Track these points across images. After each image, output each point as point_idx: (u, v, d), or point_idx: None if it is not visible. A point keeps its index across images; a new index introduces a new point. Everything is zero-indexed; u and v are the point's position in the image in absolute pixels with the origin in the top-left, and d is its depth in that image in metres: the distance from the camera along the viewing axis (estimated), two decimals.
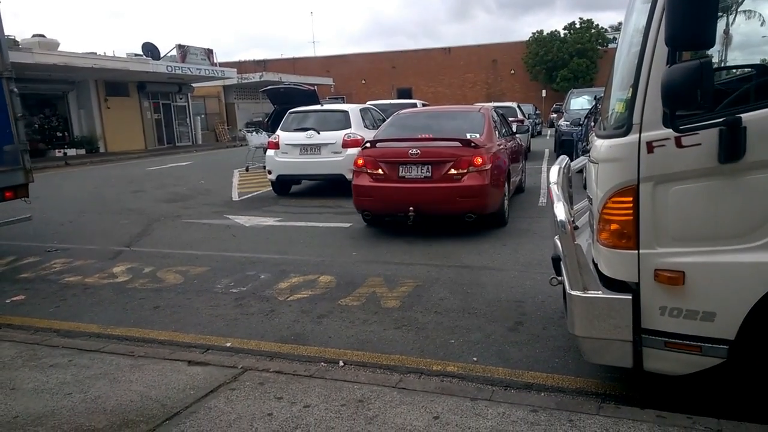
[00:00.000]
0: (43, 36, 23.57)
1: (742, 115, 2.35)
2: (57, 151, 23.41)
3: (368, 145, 6.98)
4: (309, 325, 4.38)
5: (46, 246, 7.37)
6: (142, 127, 28.51)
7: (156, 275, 5.90)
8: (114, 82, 26.32)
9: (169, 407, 3.08)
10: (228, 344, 4.07)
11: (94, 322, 4.64)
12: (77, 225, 8.95)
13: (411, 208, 6.47)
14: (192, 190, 12.54)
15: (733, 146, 2.35)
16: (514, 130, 9.88)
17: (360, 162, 6.90)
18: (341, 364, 3.67)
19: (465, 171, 6.40)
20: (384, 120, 9.89)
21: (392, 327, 4.25)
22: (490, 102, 25.25)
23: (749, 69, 3.60)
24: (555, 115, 21.88)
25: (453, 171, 6.41)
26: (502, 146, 7.45)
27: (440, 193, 6.45)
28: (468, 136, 6.77)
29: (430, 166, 6.48)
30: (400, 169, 6.59)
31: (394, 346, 3.93)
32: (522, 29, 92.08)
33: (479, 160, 6.41)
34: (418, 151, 6.51)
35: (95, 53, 24.73)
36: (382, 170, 6.67)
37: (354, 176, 7.03)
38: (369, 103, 14.95)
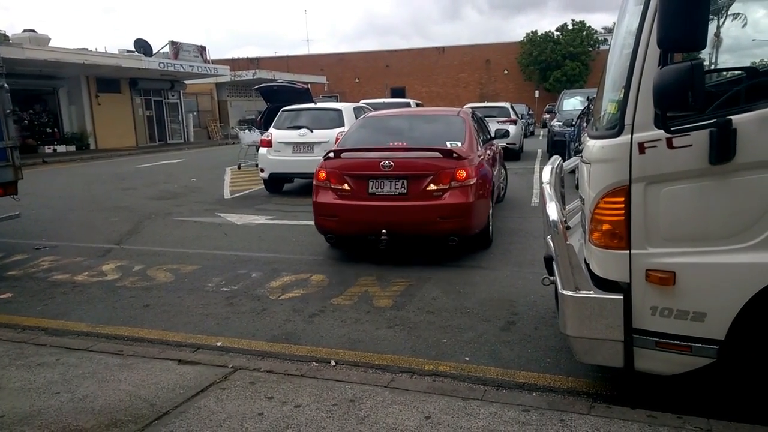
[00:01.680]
0: (34, 31, 23.29)
1: (732, 117, 2.36)
2: (47, 147, 23.17)
3: (331, 155, 5.89)
4: (300, 324, 4.37)
5: (34, 243, 7.30)
6: (134, 124, 28.31)
7: (146, 273, 5.85)
8: (105, 79, 26.11)
9: (159, 407, 3.05)
10: (219, 343, 4.05)
11: (82, 320, 4.59)
12: (66, 222, 8.86)
13: (384, 230, 5.47)
14: (183, 188, 12.47)
15: (723, 148, 2.36)
16: (492, 134, 8.46)
17: (322, 175, 5.82)
18: (333, 363, 3.66)
19: (446, 186, 5.45)
20: None
21: (384, 326, 4.24)
22: (483, 102, 25.32)
23: (739, 71, 3.62)
24: (548, 116, 21.98)
25: (432, 186, 5.45)
26: (483, 156, 6.47)
27: (418, 213, 5.47)
28: (448, 144, 5.85)
29: (405, 181, 5.50)
30: (370, 184, 5.57)
31: (386, 345, 3.92)
32: (514, 30, 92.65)
33: (463, 174, 5.48)
34: (391, 163, 5.49)
35: (86, 49, 24.50)
36: (349, 185, 5.64)
37: (315, 192, 5.89)
38: (362, 102, 14.94)
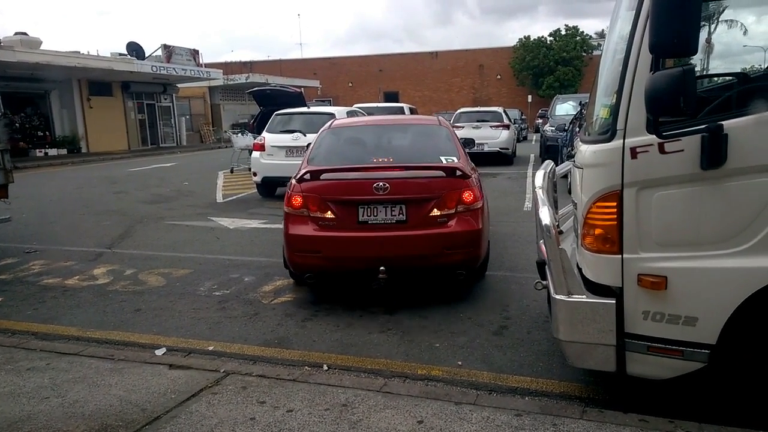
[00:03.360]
0: (25, 34, 23.17)
1: (723, 123, 2.38)
2: (38, 151, 23.00)
3: (308, 176, 4.70)
4: (293, 328, 4.35)
5: (24, 247, 7.23)
6: (126, 128, 28.17)
7: (138, 277, 5.81)
8: (98, 82, 25.98)
9: (150, 412, 3.02)
10: (210, 348, 4.02)
11: (73, 324, 4.55)
12: (57, 226, 8.79)
13: (382, 267, 4.46)
14: (175, 192, 12.40)
15: (715, 153, 2.38)
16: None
17: (297, 201, 4.66)
18: (325, 368, 3.64)
19: (452, 211, 4.57)
20: None
21: (377, 331, 4.23)
22: (476, 107, 25.42)
23: (731, 77, 3.66)
24: (540, 121, 22.07)
25: (436, 212, 4.56)
26: (476, 172, 5.38)
27: (420, 244, 4.52)
28: (443, 160, 4.94)
29: (403, 206, 4.54)
30: (361, 210, 4.55)
31: (378, 349, 3.91)
32: (506, 35, 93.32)
33: (470, 196, 4.62)
34: (387, 184, 4.49)
35: (78, 52, 24.38)
36: (333, 213, 4.57)
37: (287, 222, 4.75)
38: (356, 106, 14.95)
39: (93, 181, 14.77)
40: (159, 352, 3.91)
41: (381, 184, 4.52)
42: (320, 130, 5.89)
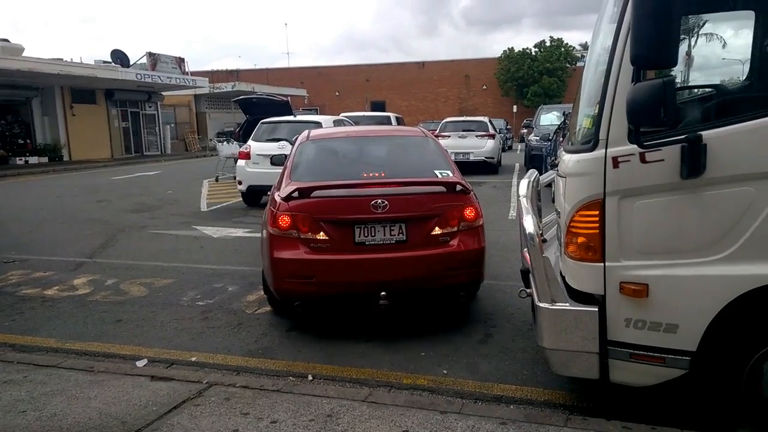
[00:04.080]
0: (7, 41, 22.85)
1: (702, 133, 2.43)
2: (18, 159, 22.65)
3: (296, 194, 4.24)
4: (277, 338, 4.31)
5: (3, 257, 7.08)
6: (109, 136, 27.85)
7: (119, 287, 5.72)
8: (81, 89, 25.69)
9: (130, 424, 2.96)
10: (193, 358, 3.97)
11: (52, 336, 4.46)
12: (37, 235, 8.63)
13: (383, 292, 4.10)
14: (159, 200, 12.27)
15: (694, 162, 2.42)
16: None
17: (285, 222, 4.18)
18: (310, 378, 3.61)
19: (455, 229, 4.29)
20: None
21: (363, 340, 4.21)
22: (462, 116, 25.60)
23: (710, 89, 3.74)
24: (525, 131, 22.30)
25: (438, 230, 4.26)
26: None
27: (422, 265, 4.21)
28: (438, 174, 4.61)
29: (403, 225, 4.22)
30: (358, 231, 4.19)
31: (364, 359, 3.89)
32: (491, 46, 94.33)
33: (471, 213, 4.37)
34: (386, 202, 4.15)
35: (61, 59, 24.11)
36: (327, 234, 4.17)
37: (272, 245, 4.26)
38: (342, 115, 14.97)
39: (75, 190, 14.56)
40: (140, 364, 3.84)
41: (379, 201, 4.16)
42: (297, 142, 5.33)
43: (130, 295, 5.46)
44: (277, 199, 4.38)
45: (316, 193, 4.26)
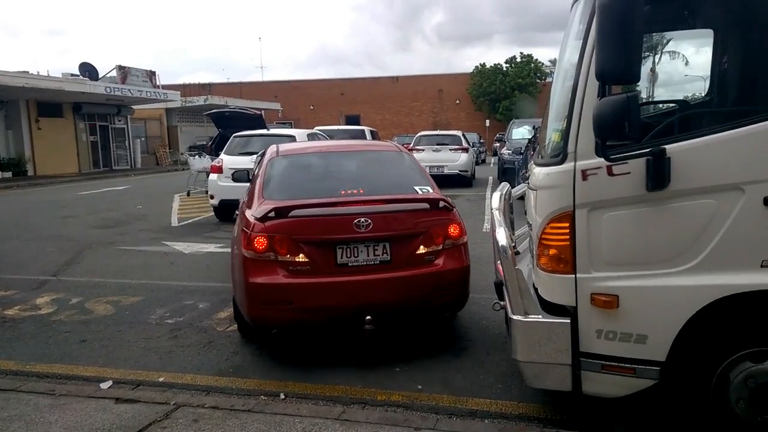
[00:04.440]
0: None
1: (666, 146, 2.48)
2: None
3: (273, 214, 3.98)
4: (249, 356, 4.21)
5: None
6: (76, 150, 27.21)
7: (84, 306, 5.53)
8: (47, 102, 25.08)
9: None
10: (161, 379, 3.84)
11: (11, 358, 4.27)
12: None
13: (367, 316, 3.88)
14: (128, 216, 12.00)
15: (659, 175, 2.47)
16: None
17: (260, 244, 3.92)
18: (282, 396, 3.53)
19: (440, 247, 4.15)
20: None
21: (337, 356, 4.14)
22: (436, 130, 25.83)
23: (673, 104, 3.85)
24: (498, 144, 22.62)
25: (423, 249, 4.11)
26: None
27: (408, 286, 4.04)
28: (418, 190, 4.45)
29: (387, 244, 4.04)
30: (340, 251, 3.97)
31: (338, 375, 3.83)
32: (463, 62, 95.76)
33: (456, 230, 4.24)
34: (369, 220, 3.96)
35: (27, 72, 23.55)
36: (307, 255, 3.92)
37: (246, 269, 3.99)
38: (317, 129, 14.95)
39: (39, 206, 14.14)
40: (104, 386, 3.71)
41: (362, 220, 3.95)
42: (266, 157, 5.03)
43: (95, 314, 5.28)
44: (251, 219, 4.08)
45: (294, 212, 4.02)
